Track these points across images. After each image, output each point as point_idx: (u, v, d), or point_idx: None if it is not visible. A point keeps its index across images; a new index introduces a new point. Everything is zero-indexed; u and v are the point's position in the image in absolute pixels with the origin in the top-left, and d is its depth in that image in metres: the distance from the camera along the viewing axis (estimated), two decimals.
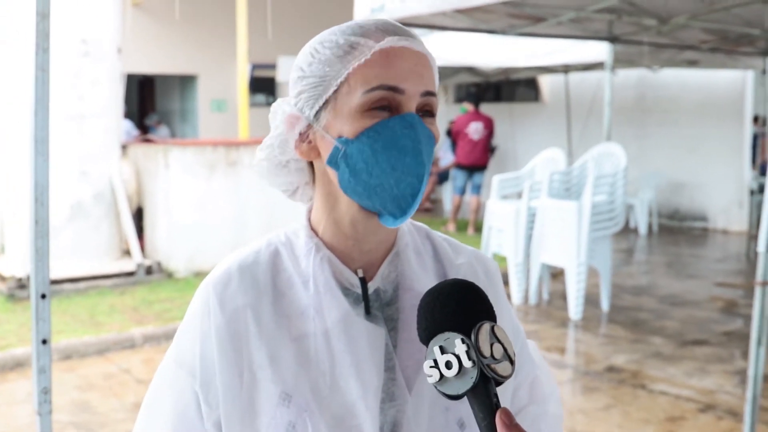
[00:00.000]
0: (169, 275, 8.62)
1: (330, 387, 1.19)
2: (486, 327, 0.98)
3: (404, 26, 1.24)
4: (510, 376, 0.97)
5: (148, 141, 10.56)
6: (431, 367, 0.97)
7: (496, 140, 13.42)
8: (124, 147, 9.14)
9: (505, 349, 0.98)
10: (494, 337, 0.98)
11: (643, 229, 12.43)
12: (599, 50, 9.52)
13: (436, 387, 0.97)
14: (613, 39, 8.71)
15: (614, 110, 9.55)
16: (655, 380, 5.68)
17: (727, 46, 9.25)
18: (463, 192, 12.19)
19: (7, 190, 8.49)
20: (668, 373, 5.82)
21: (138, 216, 9.02)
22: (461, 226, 12.28)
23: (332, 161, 1.21)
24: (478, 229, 10.74)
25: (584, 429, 4.88)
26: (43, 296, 2.06)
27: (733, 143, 12.55)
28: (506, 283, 8.18)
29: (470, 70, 13.93)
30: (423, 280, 1.28)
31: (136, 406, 5.28)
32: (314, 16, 15.33)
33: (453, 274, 1.33)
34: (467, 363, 0.95)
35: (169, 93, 18.19)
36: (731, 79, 12.44)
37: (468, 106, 12.09)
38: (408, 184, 1.17)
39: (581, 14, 7.43)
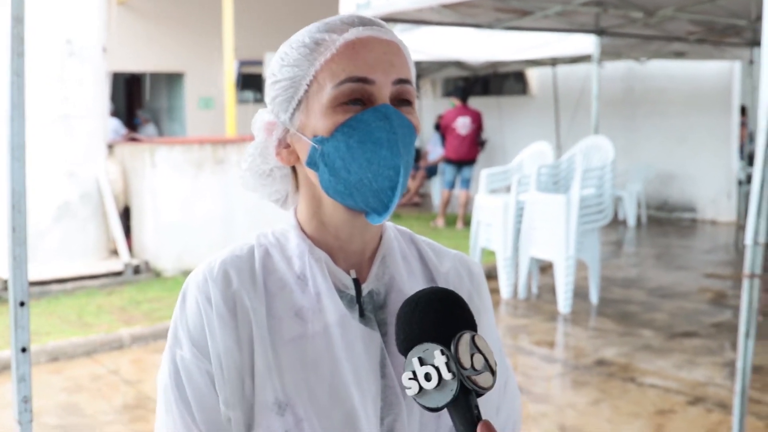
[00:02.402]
0: (157, 274, 8.57)
1: (329, 394, 1.16)
2: (466, 337, 0.96)
3: (373, 18, 1.22)
4: (491, 387, 0.95)
5: (134, 140, 10.50)
6: (410, 379, 0.95)
7: (485, 134, 13.41)
8: (110, 147, 9.08)
9: (486, 360, 0.95)
10: (475, 347, 0.96)
11: (632, 221, 12.45)
12: (586, 43, 9.51)
13: (415, 399, 0.95)
14: (600, 32, 8.70)
15: (602, 102, 9.54)
16: (645, 373, 5.68)
17: (714, 37, 9.26)
18: (452, 186, 12.17)
19: None
20: (657, 366, 5.82)
21: (125, 215, 8.97)
22: (450, 221, 12.26)
23: (311, 162, 1.19)
24: (468, 223, 10.72)
25: (574, 424, 4.88)
26: (22, 304, 2.03)
27: (721, 134, 12.57)
28: (495, 277, 8.16)
29: (458, 64, 13.91)
30: (412, 283, 1.26)
31: (124, 408, 5.25)
32: (300, 12, 15.25)
33: (441, 281, 1.31)
34: (447, 375, 0.93)
35: (156, 91, 18.09)
36: (719, 70, 12.46)
37: (456, 101, 12.07)
38: (386, 177, 1.14)
39: (567, 7, 7.42)
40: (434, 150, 14.05)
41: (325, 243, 1.24)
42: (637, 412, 5.00)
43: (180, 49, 15.65)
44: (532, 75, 15.19)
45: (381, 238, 1.28)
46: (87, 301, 7.63)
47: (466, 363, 0.93)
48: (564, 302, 7.27)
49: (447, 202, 12.24)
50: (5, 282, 7.71)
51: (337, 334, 1.18)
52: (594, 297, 7.55)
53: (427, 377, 0.93)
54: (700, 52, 10.68)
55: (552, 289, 7.68)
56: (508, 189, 8.34)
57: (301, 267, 1.22)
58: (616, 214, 12.31)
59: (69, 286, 8.08)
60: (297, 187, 1.28)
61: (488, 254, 8.53)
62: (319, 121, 1.17)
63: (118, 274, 8.36)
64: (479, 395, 0.94)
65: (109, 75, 9.02)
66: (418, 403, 0.95)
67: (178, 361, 1.19)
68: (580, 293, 7.65)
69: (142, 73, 16.66)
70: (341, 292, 1.22)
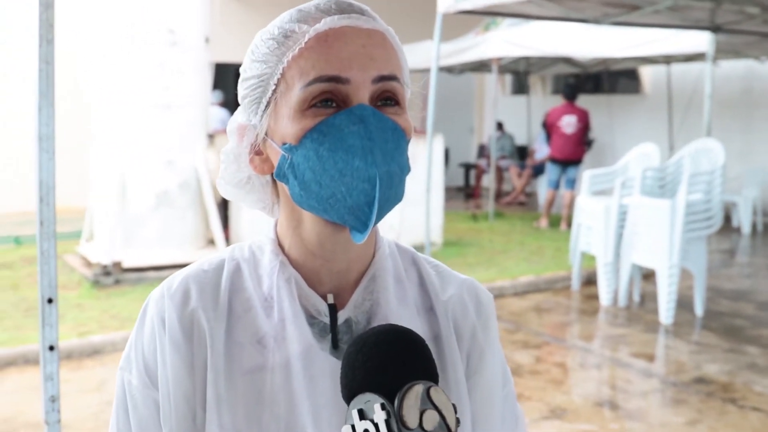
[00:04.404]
0: None
1: None
2: (417, 390, 0.78)
3: (357, 3, 1.04)
4: None
5: None
6: None
7: (593, 133, 13.00)
8: (210, 136, 9.16)
9: (442, 418, 0.77)
10: (429, 402, 0.78)
11: (746, 229, 11.79)
12: (701, 40, 9.03)
13: None
14: (715, 28, 8.23)
15: (718, 103, 9.06)
16: (748, 394, 5.30)
17: None
18: (556, 186, 11.86)
19: (96, 177, 8.62)
20: (763, 387, 5.42)
21: (224, 206, 9.03)
22: (554, 222, 11.95)
23: (280, 173, 1.03)
24: (572, 224, 10.40)
25: None
26: (50, 301, 1.94)
27: None
28: (594, 283, 7.85)
29: (568, 60, 13.52)
30: (401, 312, 1.09)
31: None
32: (405, 3, 15.12)
33: (440, 309, 1.13)
34: None
35: None
36: None
37: (563, 99, 11.77)
38: (361, 191, 0.97)
39: (680, 2, 7.02)
40: (541, 148, 13.71)
41: (303, 262, 1.08)
42: None
43: None
44: (646, 73, 14.62)
45: (374, 256, 1.11)
46: None
47: (412, 422, 0.76)
48: (666, 313, 6.91)
49: (551, 203, 11.94)
50: (105, 267, 7.87)
51: (299, 367, 1.02)
52: (699, 308, 7.15)
53: None
54: None
55: (654, 298, 7.31)
56: (612, 191, 8.02)
57: (269, 287, 1.07)
58: (729, 221, 11.73)
59: (166, 273, 8.15)
60: (278, 195, 1.12)
61: (588, 258, 8.22)
62: (287, 126, 1.01)
63: None
64: None
65: (212, 65, 9.08)
66: None
67: (126, 386, 1.09)
68: (683, 304, 7.25)
69: None
70: (313, 319, 1.06)
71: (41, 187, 1.88)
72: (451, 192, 15.11)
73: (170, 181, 8.46)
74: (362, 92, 0.99)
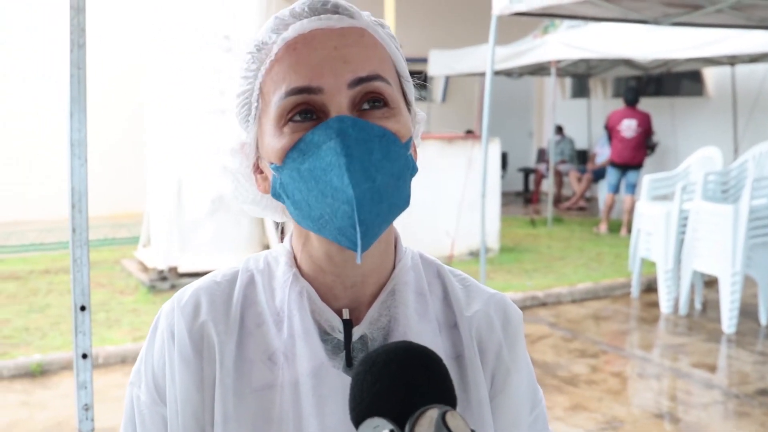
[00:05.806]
0: None
1: None
2: (431, 415, 0.71)
3: (341, 1, 0.97)
4: None
5: None
6: None
7: (657, 136, 12.72)
8: None
9: None
10: (444, 428, 0.70)
11: None
12: (766, 40, 8.76)
13: None
14: None
15: None
16: None
17: None
18: (616, 190, 11.66)
19: (152, 183, 8.71)
20: None
21: None
22: (614, 227, 11.73)
23: (275, 193, 0.98)
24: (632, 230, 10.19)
25: None
26: (83, 308, 1.91)
27: None
28: (655, 290, 7.66)
29: (628, 62, 13.27)
30: (421, 328, 1.02)
31: None
32: (463, 6, 14.99)
33: (463, 326, 1.06)
34: None
35: None
36: None
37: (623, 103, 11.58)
38: (343, 213, 0.90)
39: (743, 1, 6.80)
40: (602, 152, 13.49)
41: (316, 275, 1.02)
42: None
43: None
44: (709, 74, 14.26)
45: (394, 269, 1.04)
46: None
47: None
48: (728, 321, 6.70)
49: (610, 207, 11.74)
50: (161, 272, 7.94)
51: (308, 385, 0.96)
52: (763, 317, 6.91)
53: None
54: None
55: (716, 306, 7.10)
56: (673, 196, 7.83)
57: (281, 301, 1.01)
58: None
59: None
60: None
61: (648, 265, 8.02)
62: (270, 144, 0.96)
63: None
64: None
65: None
66: None
67: (134, 402, 1.04)
68: (747, 312, 7.03)
69: None
70: (326, 335, 1.00)
71: (73, 194, 1.85)
72: (509, 197, 14.96)
73: (225, 186, 8.49)
74: (338, 100, 0.92)
